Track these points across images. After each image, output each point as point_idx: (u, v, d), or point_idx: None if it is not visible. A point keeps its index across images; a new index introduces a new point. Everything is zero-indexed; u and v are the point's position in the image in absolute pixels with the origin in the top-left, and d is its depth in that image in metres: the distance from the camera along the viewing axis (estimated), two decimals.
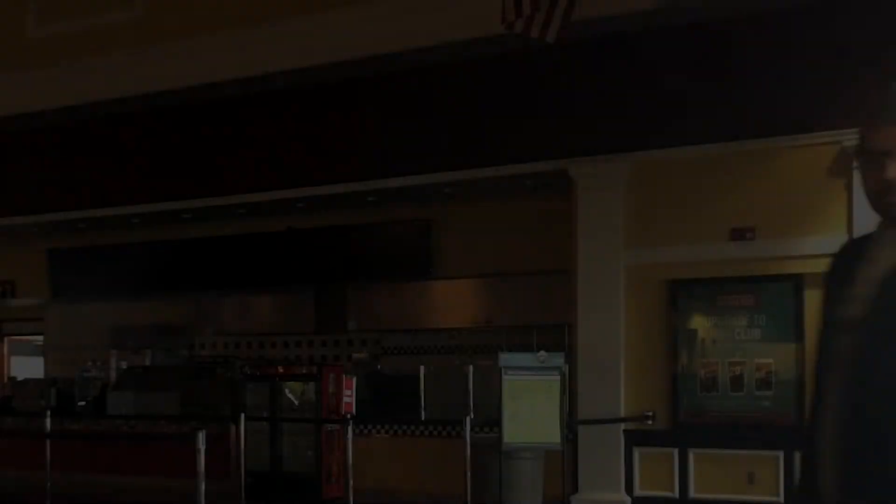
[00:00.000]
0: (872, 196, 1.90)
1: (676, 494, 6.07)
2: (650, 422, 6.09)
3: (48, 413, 7.33)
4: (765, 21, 5.62)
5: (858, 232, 5.57)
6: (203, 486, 5.55)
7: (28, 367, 10.66)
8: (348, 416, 6.63)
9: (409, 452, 6.98)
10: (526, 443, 5.85)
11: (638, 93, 6.02)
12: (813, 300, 5.62)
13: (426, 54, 6.57)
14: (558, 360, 5.85)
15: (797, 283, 5.67)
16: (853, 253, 2.07)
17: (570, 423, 6.10)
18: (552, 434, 5.79)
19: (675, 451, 6.05)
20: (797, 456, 5.66)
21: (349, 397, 7.00)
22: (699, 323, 6.05)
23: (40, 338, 10.44)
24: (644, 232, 6.15)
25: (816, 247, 5.52)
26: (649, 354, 6.15)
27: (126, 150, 7.95)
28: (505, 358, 5.89)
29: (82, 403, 8.59)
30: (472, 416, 6.07)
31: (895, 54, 5.43)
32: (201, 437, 5.58)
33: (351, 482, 6.23)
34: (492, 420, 6.07)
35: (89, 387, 8.74)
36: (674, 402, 6.06)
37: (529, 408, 5.83)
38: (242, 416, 6.70)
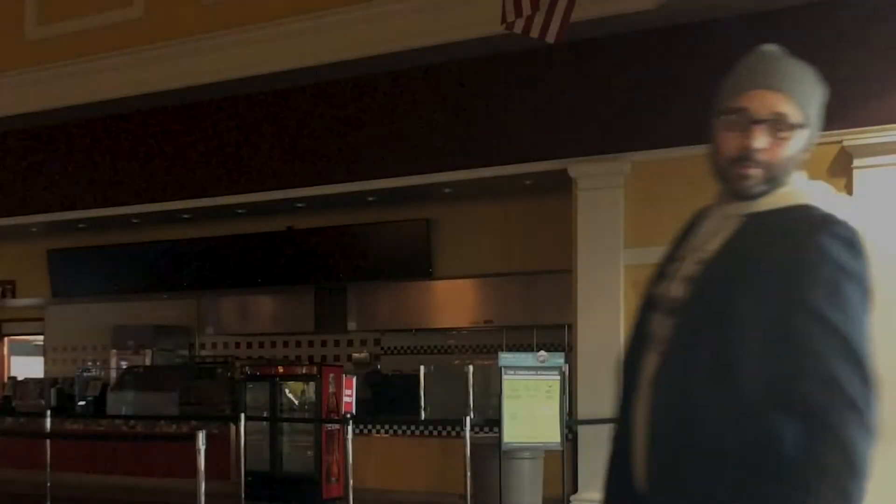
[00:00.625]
0: (725, 163, 1.86)
1: None
2: None
3: (48, 413, 7.32)
4: (764, 21, 5.62)
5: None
6: (203, 486, 5.55)
7: (28, 367, 10.66)
8: (348, 416, 6.63)
9: (409, 452, 6.98)
10: (526, 443, 5.84)
11: (638, 92, 6.03)
12: None
13: (426, 54, 6.58)
14: (558, 360, 5.85)
15: None
16: (690, 227, 2.04)
17: (570, 423, 6.10)
18: (552, 434, 5.79)
19: None
20: None
21: (349, 397, 7.00)
22: None
23: (40, 338, 10.44)
24: (644, 232, 6.15)
25: None
26: None
27: (126, 149, 7.95)
28: (505, 358, 5.88)
29: (82, 403, 8.59)
30: (472, 416, 6.07)
31: (890, 54, 5.43)
32: (201, 437, 5.58)
33: (351, 482, 6.24)
34: (492, 420, 6.06)
35: (89, 387, 8.75)
36: None
37: (529, 408, 5.83)
38: (242, 416, 6.70)
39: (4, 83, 7.87)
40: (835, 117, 6.12)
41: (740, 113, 1.85)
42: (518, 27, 4.93)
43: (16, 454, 7.94)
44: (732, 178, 1.86)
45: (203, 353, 9.51)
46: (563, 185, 6.41)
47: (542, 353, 5.90)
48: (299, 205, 7.92)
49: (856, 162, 5.44)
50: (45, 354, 10.29)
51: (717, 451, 1.77)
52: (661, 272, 1.96)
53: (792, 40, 6.22)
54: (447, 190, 7.32)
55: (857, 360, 1.77)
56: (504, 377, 5.81)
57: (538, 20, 4.87)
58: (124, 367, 8.89)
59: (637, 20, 5.83)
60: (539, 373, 5.84)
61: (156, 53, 7.23)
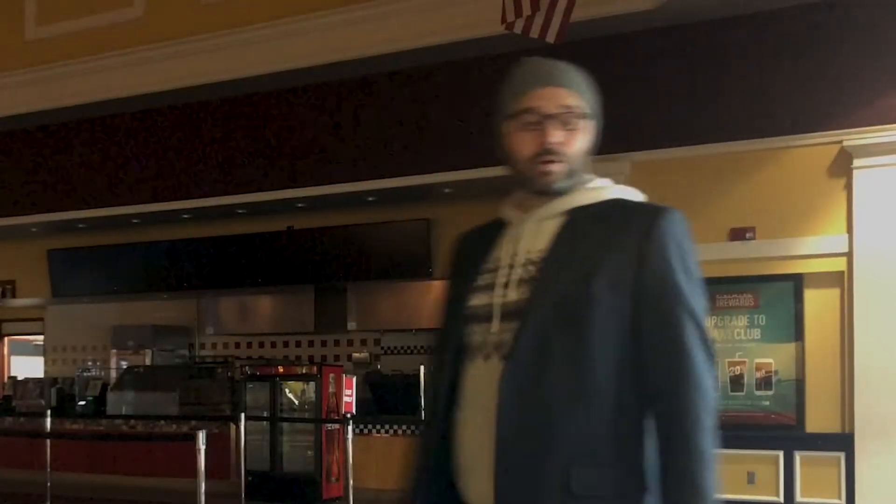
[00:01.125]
0: (525, 163, 1.88)
1: None
2: None
3: (48, 413, 7.33)
4: (764, 21, 5.63)
5: (859, 231, 5.58)
6: (203, 486, 5.55)
7: (28, 367, 10.67)
8: (348, 415, 6.63)
9: (409, 452, 6.98)
10: None
11: (638, 93, 6.02)
12: (813, 300, 5.62)
13: (426, 54, 6.58)
14: None
15: (797, 283, 5.67)
16: (465, 249, 2.04)
17: None
18: None
19: None
20: (797, 456, 5.66)
21: (349, 397, 7.00)
22: None
23: (40, 338, 10.44)
24: None
25: (816, 247, 5.53)
26: None
27: (126, 149, 7.96)
28: None
29: (82, 403, 8.60)
30: None
31: (890, 54, 5.43)
32: (201, 437, 5.58)
33: (351, 482, 6.23)
34: None
35: (89, 387, 8.76)
36: None
37: None
38: (242, 416, 6.70)
39: (4, 83, 7.87)
40: (835, 117, 6.09)
41: (531, 112, 1.90)
42: (518, 27, 4.92)
43: (16, 454, 7.94)
44: (535, 175, 1.88)
45: (203, 353, 9.51)
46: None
47: None
48: (299, 205, 7.92)
49: (856, 162, 5.44)
50: (44, 354, 10.29)
51: (574, 450, 1.74)
52: (466, 290, 1.91)
53: (792, 40, 6.22)
54: (447, 190, 7.32)
55: (710, 353, 1.80)
56: None
57: (538, 20, 4.86)
58: (124, 367, 8.89)
59: (637, 20, 5.83)
60: None
61: (156, 53, 7.23)
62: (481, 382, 1.83)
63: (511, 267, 1.88)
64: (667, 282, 1.79)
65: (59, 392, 8.95)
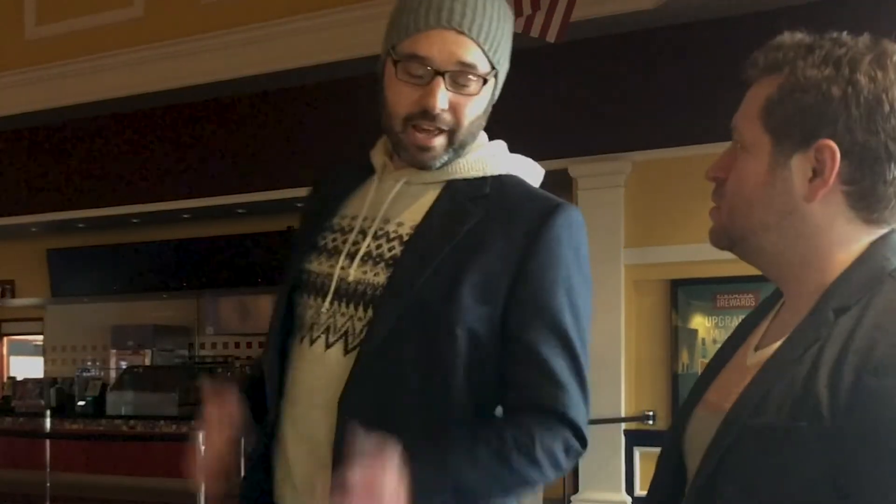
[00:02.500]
0: (400, 121, 1.52)
1: None
2: (650, 422, 6.10)
3: (48, 413, 7.32)
4: (764, 20, 5.62)
5: None
6: (203, 486, 5.55)
7: (28, 367, 10.66)
8: None
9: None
10: None
11: (638, 93, 6.02)
12: None
13: None
14: None
15: None
16: (328, 185, 1.70)
17: None
18: None
19: None
20: None
21: None
22: (699, 323, 6.06)
23: (40, 338, 10.43)
24: (644, 232, 6.15)
25: None
26: (649, 354, 6.15)
27: (126, 149, 7.95)
28: None
29: (82, 403, 8.59)
30: None
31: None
32: (201, 436, 5.57)
33: None
34: None
35: (89, 387, 8.75)
36: (674, 402, 6.05)
37: None
38: None
39: (4, 83, 7.87)
40: None
41: (418, 61, 1.49)
42: (518, 27, 4.91)
43: (15, 454, 7.94)
44: (408, 144, 1.53)
45: (203, 353, 9.50)
46: (563, 185, 6.41)
47: None
48: (299, 205, 7.89)
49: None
50: (44, 354, 10.28)
51: (427, 453, 1.43)
52: (310, 243, 1.62)
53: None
54: None
55: (584, 380, 1.53)
56: None
57: (538, 20, 4.86)
58: (124, 367, 8.88)
59: (637, 20, 5.83)
60: None
61: (156, 53, 7.23)
62: (316, 376, 1.53)
63: (363, 234, 1.56)
64: (547, 302, 1.49)
65: (58, 392, 8.93)
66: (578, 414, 1.50)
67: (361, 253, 1.54)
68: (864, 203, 1.18)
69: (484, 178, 1.58)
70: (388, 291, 1.49)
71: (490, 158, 1.61)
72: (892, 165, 1.16)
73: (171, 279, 9.03)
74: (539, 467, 1.47)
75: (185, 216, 8.41)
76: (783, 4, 5.55)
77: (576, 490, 6.27)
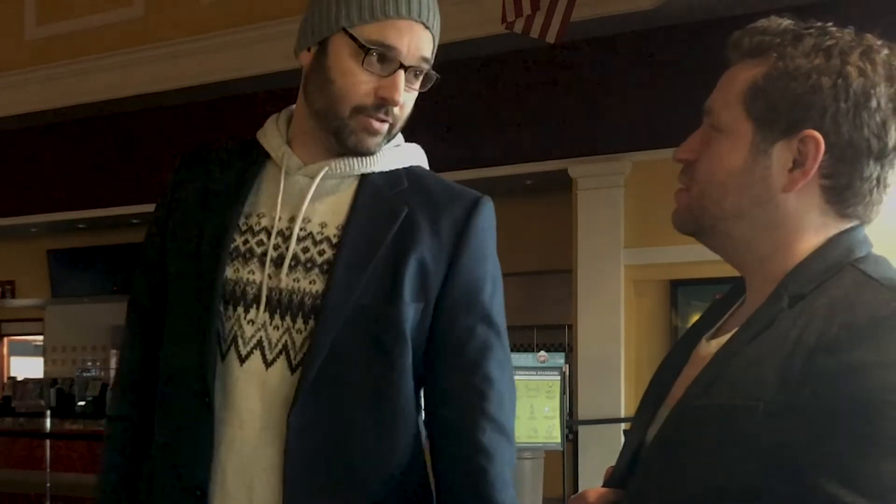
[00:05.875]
0: (343, 106, 1.44)
1: None
2: None
3: (48, 413, 7.32)
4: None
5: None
6: None
7: (28, 368, 10.66)
8: None
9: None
10: (526, 443, 5.83)
11: (638, 93, 6.02)
12: None
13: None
14: (558, 360, 5.85)
15: None
16: (235, 164, 1.55)
17: (570, 423, 6.10)
18: (552, 434, 5.79)
19: None
20: None
21: None
22: None
23: (40, 338, 10.44)
24: (644, 232, 6.16)
25: None
26: (649, 354, 6.16)
27: (127, 149, 7.95)
28: None
29: (82, 403, 8.60)
30: None
31: None
32: None
33: None
34: None
35: (89, 387, 8.76)
36: None
37: (529, 408, 5.82)
38: None
39: (4, 83, 7.87)
40: None
41: (389, 51, 1.43)
42: (518, 27, 4.92)
43: (15, 454, 7.93)
44: (355, 130, 1.45)
45: None
46: (563, 185, 6.41)
47: (543, 353, 5.90)
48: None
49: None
50: (44, 355, 10.28)
51: (382, 495, 1.42)
52: (213, 244, 1.46)
53: None
54: (529, 182, 7.27)
55: (510, 376, 1.55)
56: None
57: (538, 20, 4.86)
58: None
59: (637, 20, 5.83)
60: (539, 373, 5.84)
61: (156, 53, 7.23)
62: (258, 397, 1.41)
63: (285, 237, 1.46)
64: (477, 294, 1.49)
65: (58, 392, 8.94)
66: (503, 415, 1.52)
67: (289, 258, 1.44)
68: (840, 197, 1.17)
69: (397, 171, 1.54)
70: (331, 299, 1.40)
71: (397, 150, 1.56)
72: (872, 162, 1.15)
73: None
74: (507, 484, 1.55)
75: None
76: (783, 5, 5.55)
77: (576, 490, 6.27)
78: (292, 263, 1.43)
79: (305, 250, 1.44)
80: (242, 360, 1.42)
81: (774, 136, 1.18)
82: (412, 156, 1.59)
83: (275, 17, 6.80)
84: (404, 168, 1.55)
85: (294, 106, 1.69)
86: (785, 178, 1.17)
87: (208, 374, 1.40)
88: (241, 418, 1.41)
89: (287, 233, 1.45)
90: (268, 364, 1.41)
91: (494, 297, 1.52)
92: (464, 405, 1.48)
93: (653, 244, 6.15)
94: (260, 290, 1.42)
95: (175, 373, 1.47)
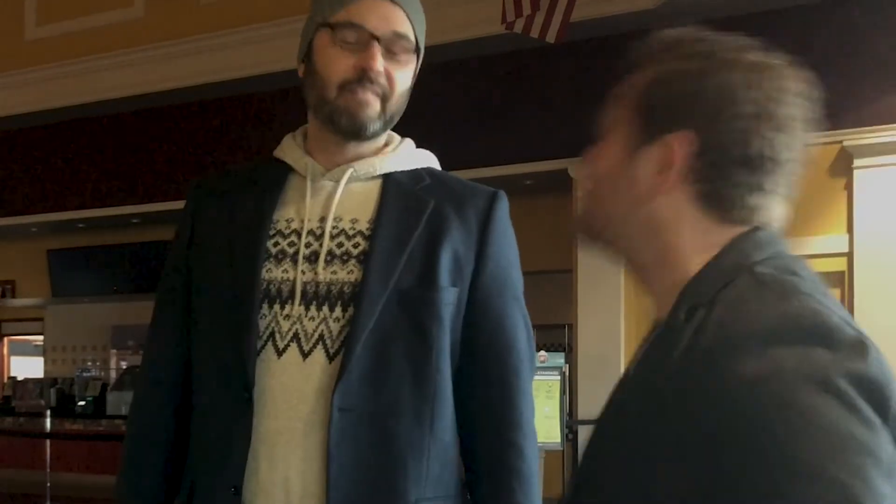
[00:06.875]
0: (336, 88, 1.52)
1: None
2: None
3: (48, 413, 7.32)
4: (764, 21, 5.62)
5: (859, 231, 5.59)
6: None
7: (28, 367, 10.66)
8: None
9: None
10: None
11: None
12: None
13: (425, 54, 6.57)
14: (558, 360, 5.85)
15: None
16: (257, 179, 1.60)
17: (570, 423, 6.09)
18: (552, 434, 5.79)
19: None
20: None
21: None
22: None
23: (40, 338, 10.44)
24: None
25: (816, 247, 5.52)
26: None
27: (127, 149, 7.95)
28: None
29: (82, 403, 8.59)
30: None
31: (890, 53, 5.43)
32: None
33: None
34: None
35: (89, 387, 8.75)
36: None
37: None
38: None
39: (4, 83, 7.87)
40: (835, 117, 6.11)
41: (354, 28, 1.52)
42: (518, 27, 4.92)
43: (16, 454, 7.94)
44: (345, 106, 1.52)
45: None
46: (563, 185, 6.41)
47: (543, 353, 5.90)
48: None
49: (856, 162, 5.44)
50: (44, 354, 10.28)
51: (423, 484, 1.45)
52: (244, 250, 1.51)
53: (792, 40, 6.23)
54: (528, 181, 7.27)
55: (534, 358, 1.66)
56: None
57: (538, 20, 4.86)
58: (124, 367, 8.88)
59: (637, 20, 5.83)
60: (539, 373, 5.84)
61: (156, 53, 7.23)
62: (297, 387, 1.45)
63: (313, 235, 1.52)
64: (507, 278, 1.60)
65: (58, 392, 8.94)
66: (530, 390, 1.60)
67: (324, 253, 1.50)
68: (709, 203, 1.14)
69: (417, 170, 1.63)
70: (369, 284, 1.45)
71: (415, 153, 1.67)
72: (742, 170, 1.12)
73: None
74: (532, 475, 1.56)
75: None
76: (783, 5, 5.55)
77: None
78: (328, 258, 1.49)
79: (340, 245, 1.50)
80: (280, 353, 1.47)
81: (644, 138, 1.17)
82: (428, 159, 1.69)
83: (275, 17, 6.81)
84: (423, 168, 1.65)
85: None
86: (652, 180, 1.15)
87: (248, 370, 1.45)
88: (279, 410, 1.44)
89: (318, 231, 1.51)
90: (305, 355, 1.46)
91: (520, 280, 1.64)
92: (503, 384, 1.55)
93: None
94: (294, 285, 1.47)
95: (214, 372, 1.53)
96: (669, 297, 1.13)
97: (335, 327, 1.45)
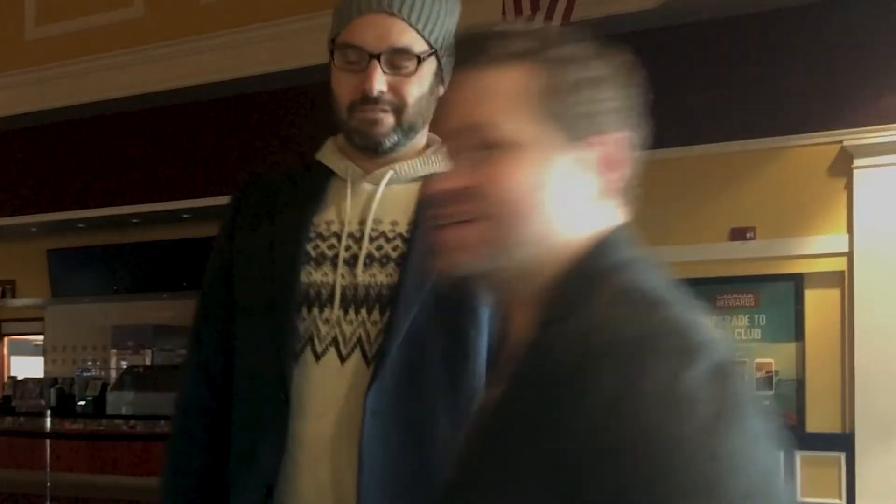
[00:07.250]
0: (344, 110, 1.56)
1: None
2: None
3: (48, 413, 7.32)
4: (764, 21, 5.62)
5: (859, 231, 5.58)
6: None
7: (28, 367, 10.66)
8: None
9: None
10: None
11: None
12: (813, 300, 5.62)
13: None
14: None
15: (797, 283, 5.67)
16: (300, 181, 1.60)
17: None
18: None
19: None
20: (798, 456, 5.67)
21: None
22: None
23: (40, 338, 10.43)
24: (644, 232, 6.14)
25: (816, 247, 5.53)
26: None
27: (126, 149, 7.95)
28: None
29: (82, 403, 8.59)
30: None
31: (891, 53, 5.43)
32: None
33: None
34: None
35: (89, 387, 8.75)
36: None
37: None
38: None
39: (4, 83, 7.87)
40: (835, 117, 6.11)
41: (352, 49, 1.53)
42: None
43: (16, 454, 7.94)
44: (357, 129, 1.54)
45: None
46: None
47: None
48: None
49: (856, 162, 5.44)
50: (44, 354, 10.28)
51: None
52: (285, 255, 1.52)
53: (792, 40, 6.24)
54: None
55: None
56: None
57: (538, 20, 4.86)
58: (124, 367, 8.88)
59: (637, 20, 5.83)
60: None
61: (156, 53, 7.23)
62: (334, 390, 1.45)
63: (353, 238, 1.52)
64: None
65: (59, 392, 8.94)
66: None
67: (363, 256, 1.49)
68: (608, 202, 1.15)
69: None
70: (406, 286, 1.45)
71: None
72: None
73: (171, 279, 9.02)
74: None
75: (186, 216, 8.41)
76: (783, 5, 5.55)
77: None
78: (367, 261, 1.48)
79: (379, 248, 1.50)
80: (318, 357, 1.47)
81: (568, 143, 1.13)
82: None
83: (275, 17, 6.81)
84: None
85: None
86: (591, 184, 1.15)
87: (286, 373, 1.45)
88: (317, 412, 1.45)
89: (358, 234, 1.51)
90: (343, 359, 1.46)
91: None
92: None
93: (653, 244, 6.14)
94: (333, 289, 1.47)
95: (252, 374, 1.53)
96: (528, 308, 1.07)
97: (373, 331, 1.45)
